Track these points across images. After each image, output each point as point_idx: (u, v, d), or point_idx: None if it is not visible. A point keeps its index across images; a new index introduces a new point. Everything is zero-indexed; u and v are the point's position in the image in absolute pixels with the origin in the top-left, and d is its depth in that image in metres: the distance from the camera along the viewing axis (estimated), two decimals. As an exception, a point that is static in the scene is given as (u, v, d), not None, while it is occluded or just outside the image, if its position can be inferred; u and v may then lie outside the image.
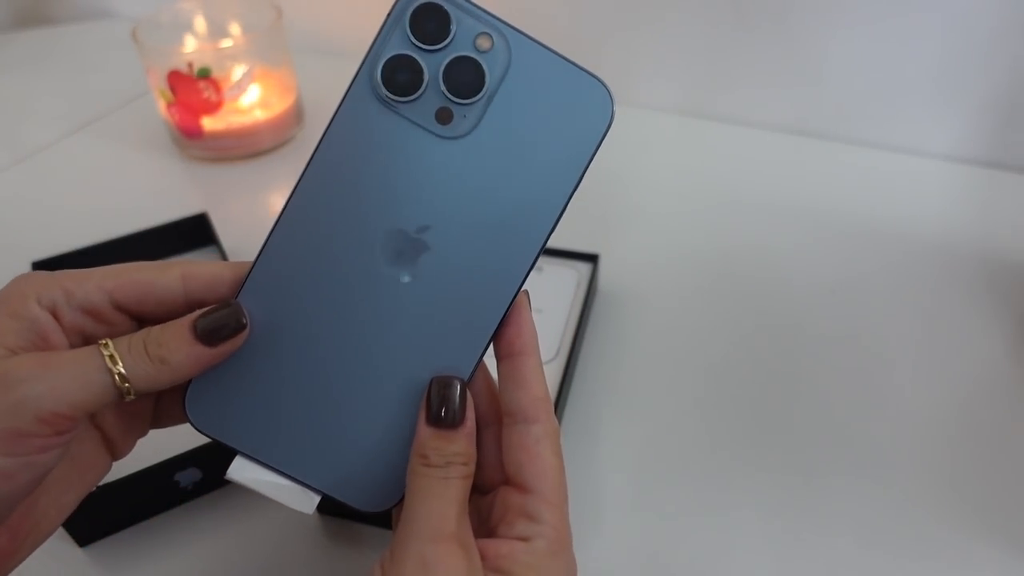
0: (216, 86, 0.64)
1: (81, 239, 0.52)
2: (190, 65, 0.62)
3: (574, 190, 0.26)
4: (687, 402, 0.46)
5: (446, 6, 0.25)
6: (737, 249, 0.58)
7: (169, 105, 0.65)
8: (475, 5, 0.25)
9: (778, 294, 0.54)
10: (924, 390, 0.47)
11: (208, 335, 0.25)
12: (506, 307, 0.26)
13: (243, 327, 0.26)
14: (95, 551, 0.38)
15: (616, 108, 0.26)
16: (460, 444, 0.25)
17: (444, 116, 0.26)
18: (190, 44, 0.69)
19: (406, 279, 0.26)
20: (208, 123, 0.65)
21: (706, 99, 0.75)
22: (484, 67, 0.25)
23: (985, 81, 0.65)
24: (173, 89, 0.63)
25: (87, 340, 0.26)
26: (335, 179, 0.26)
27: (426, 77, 0.25)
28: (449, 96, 0.25)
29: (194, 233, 0.55)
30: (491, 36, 0.25)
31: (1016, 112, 0.66)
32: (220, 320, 0.25)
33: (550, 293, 0.49)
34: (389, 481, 0.27)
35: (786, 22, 0.68)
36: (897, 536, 0.39)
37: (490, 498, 0.27)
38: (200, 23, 0.70)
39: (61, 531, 0.37)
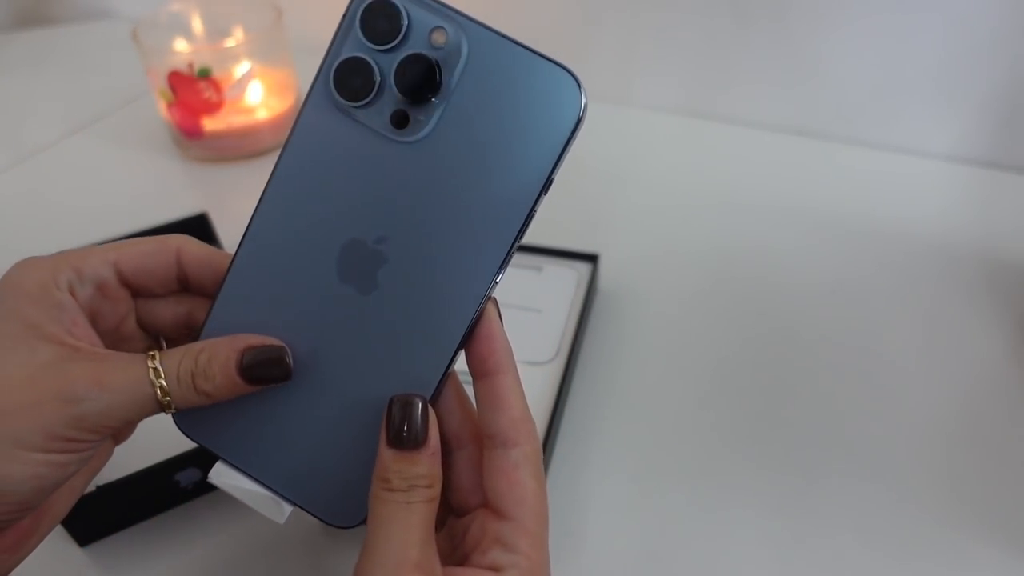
0: (216, 86, 0.64)
1: (81, 239, 0.52)
2: (190, 65, 0.62)
3: (542, 191, 0.24)
4: (687, 402, 0.46)
5: (397, 3, 0.23)
6: (737, 249, 0.58)
7: (169, 105, 0.65)
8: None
9: (778, 294, 0.54)
10: (924, 390, 0.47)
11: (254, 378, 0.25)
12: (470, 319, 0.25)
13: (288, 375, 0.26)
14: (95, 551, 0.38)
15: (586, 99, 0.23)
16: (423, 466, 0.24)
17: (400, 119, 0.24)
18: (190, 44, 0.69)
19: (365, 293, 0.25)
20: (208, 123, 0.65)
21: (706, 99, 0.75)
22: (438, 64, 0.23)
23: (985, 81, 0.65)
24: (173, 89, 0.63)
25: (94, 315, 0.27)
26: (294, 190, 0.25)
27: (378, 80, 0.24)
28: (403, 98, 0.24)
29: (194, 233, 0.54)
30: (446, 30, 0.23)
31: (1016, 112, 0.65)
32: (267, 366, 0.25)
33: (550, 293, 0.49)
34: (357, 498, 0.26)
35: (786, 22, 0.68)
36: (897, 536, 0.39)
37: (466, 520, 0.27)
38: (200, 23, 0.70)
39: (61, 531, 0.37)
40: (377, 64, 0.24)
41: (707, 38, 0.71)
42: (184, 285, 0.29)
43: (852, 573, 0.37)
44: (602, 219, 0.60)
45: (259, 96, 0.67)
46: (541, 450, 0.26)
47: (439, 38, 0.23)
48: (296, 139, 0.25)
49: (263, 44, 0.66)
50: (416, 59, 0.23)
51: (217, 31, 0.71)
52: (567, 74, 0.23)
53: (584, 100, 0.23)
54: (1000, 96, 0.65)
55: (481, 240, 0.24)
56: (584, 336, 0.49)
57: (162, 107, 0.66)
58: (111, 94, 0.78)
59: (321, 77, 0.24)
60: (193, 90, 0.63)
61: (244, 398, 0.26)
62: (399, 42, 0.23)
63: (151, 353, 0.25)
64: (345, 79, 0.24)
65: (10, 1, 0.96)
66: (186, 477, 0.38)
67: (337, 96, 0.24)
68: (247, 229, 0.26)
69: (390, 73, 0.24)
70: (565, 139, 0.24)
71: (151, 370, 0.24)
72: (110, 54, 0.84)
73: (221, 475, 0.27)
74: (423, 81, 0.23)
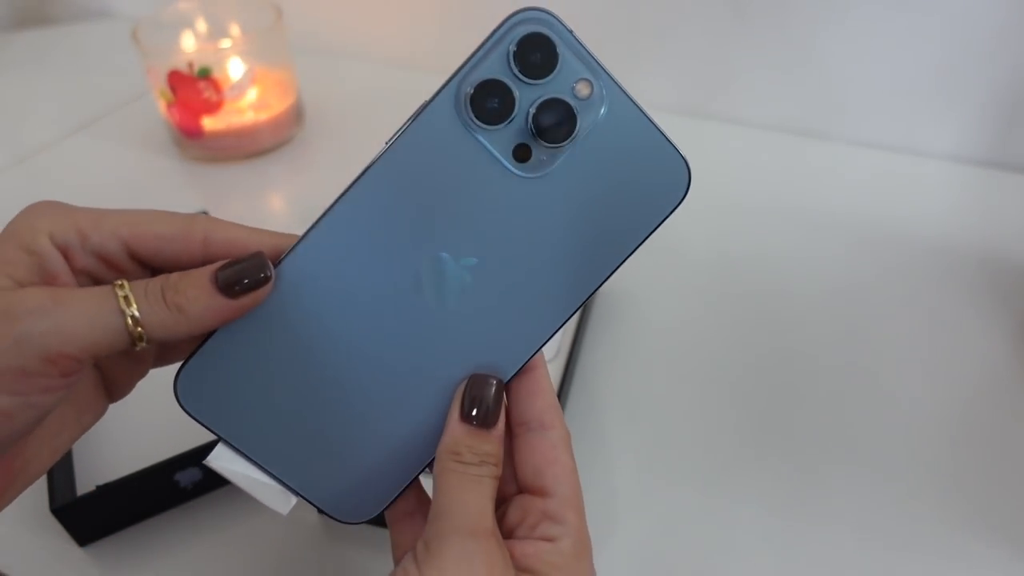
0: (216, 86, 0.64)
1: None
2: (190, 65, 0.62)
3: (626, 259, 0.25)
4: (687, 402, 0.46)
5: (556, 42, 0.23)
6: (737, 249, 0.58)
7: (169, 105, 0.65)
8: (586, 48, 0.24)
9: (777, 294, 0.54)
10: (925, 390, 0.47)
11: (230, 285, 0.23)
12: (522, 364, 0.26)
13: (267, 279, 0.24)
14: (95, 551, 0.38)
15: (690, 185, 0.25)
16: (492, 444, 0.25)
17: (523, 154, 0.24)
18: (190, 44, 0.69)
19: (435, 308, 0.25)
20: (208, 123, 0.65)
21: (706, 99, 0.75)
22: (577, 115, 0.24)
23: (986, 81, 0.65)
24: (173, 89, 0.63)
25: (97, 283, 0.24)
26: (393, 187, 0.25)
27: (516, 110, 0.24)
28: (534, 135, 0.24)
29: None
30: (592, 84, 0.24)
31: (1017, 112, 0.65)
32: (243, 271, 0.24)
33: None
34: (371, 495, 0.26)
35: (786, 22, 0.68)
36: (898, 535, 0.39)
37: (502, 509, 0.27)
38: (200, 23, 0.70)
39: (61, 531, 0.37)
40: (518, 94, 0.24)
41: (707, 37, 0.71)
42: None
43: (853, 572, 0.37)
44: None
45: (258, 96, 0.67)
46: (570, 433, 0.27)
47: (584, 89, 0.24)
48: (409, 137, 0.24)
49: (263, 44, 0.66)
50: (560, 103, 0.24)
51: (217, 31, 0.71)
52: (682, 161, 0.25)
53: (688, 188, 0.25)
54: (1000, 96, 0.65)
55: (560, 289, 0.26)
56: (584, 336, 0.49)
57: (162, 107, 0.66)
58: (111, 94, 0.78)
59: (453, 86, 0.24)
60: (193, 90, 0.63)
61: (259, 378, 0.25)
62: (546, 81, 0.24)
63: (118, 282, 0.23)
64: (483, 99, 0.24)
65: (10, 1, 0.96)
66: (186, 477, 0.38)
67: (469, 111, 0.24)
68: (333, 205, 0.25)
69: (529, 107, 0.24)
70: (662, 218, 0.25)
71: (120, 298, 0.22)
72: (110, 54, 0.84)
73: (221, 459, 0.26)
74: (560, 126, 0.24)
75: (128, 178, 0.67)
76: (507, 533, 0.26)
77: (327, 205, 0.25)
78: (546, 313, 0.26)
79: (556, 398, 0.27)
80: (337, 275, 0.25)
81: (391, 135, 0.24)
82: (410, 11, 0.80)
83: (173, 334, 0.23)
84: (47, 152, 0.70)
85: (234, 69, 0.64)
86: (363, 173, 0.25)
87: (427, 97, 0.24)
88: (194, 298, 0.23)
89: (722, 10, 0.69)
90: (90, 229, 0.24)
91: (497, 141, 0.24)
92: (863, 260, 0.57)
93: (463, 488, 0.24)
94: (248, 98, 0.67)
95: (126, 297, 0.22)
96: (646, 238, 0.25)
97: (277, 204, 0.66)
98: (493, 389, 0.26)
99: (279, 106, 0.68)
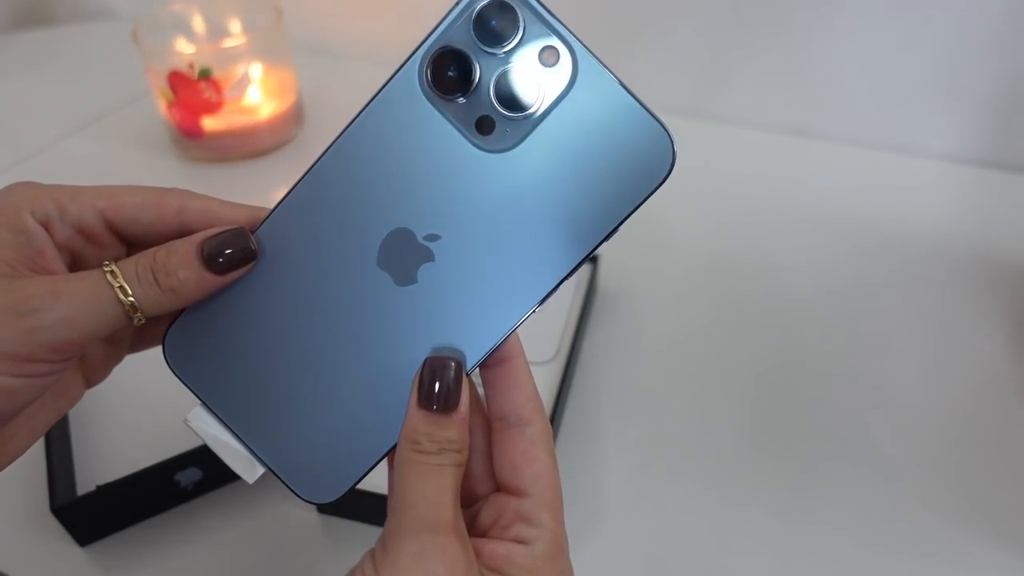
0: (216, 86, 0.64)
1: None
2: (191, 65, 0.62)
3: (605, 239, 0.24)
4: (687, 402, 0.46)
5: (518, 7, 0.22)
6: (737, 249, 0.58)
7: (169, 105, 0.65)
8: (551, 13, 0.23)
9: (777, 294, 0.54)
10: (924, 389, 0.47)
11: (218, 264, 0.24)
12: (498, 341, 0.25)
13: (252, 253, 0.25)
14: (95, 551, 0.38)
15: (675, 161, 0.23)
16: (453, 431, 0.24)
17: (486, 126, 0.23)
18: (190, 45, 0.69)
19: (400, 284, 0.25)
20: (208, 123, 0.65)
21: (706, 99, 0.75)
22: (541, 84, 0.23)
23: (985, 81, 0.65)
24: (173, 89, 0.63)
25: (76, 258, 0.25)
26: (355, 162, 0.24)
27: (476, 79, 0.23)
28: (497, 105, 0.23)
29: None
30: (558, 52, 0.23)
31: (1016, 112, 0.65)
32: (228, 246, 0.24)
33: (550, 293, 0.49)
34: (336, 476, 0.26)
35: (786, 22, 0.68)
36: (898, 535, 0.39)
37: (475, 508, 0.26)
38: (200, 23, 0.70)
39: (61, 531, 0.37)
40: (479, 63, 0.23)
41: (707, 39, 0.71)
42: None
43: (852, 572, 0.37)
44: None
45: (259, 96, 0.67)
46: (551, 429, 0.26)
47: (550, 57, 0.23)
48: (371, 111, 0.24)
49: (263, 44, 0.66)
50: (523, 72, 0.23)
51: (217, 31, 0.71)
52: (664, 132, 0.23)
53: (673, 163, 0.23)
54: (1000, 96, 0.65)
55: (533, 269, 0.24)
56: (584, 336, 0.49)
57: (162, 107, 0.66)
58: (111, 94, 0.78)
59: (415, 58, 0.23)
60: (193, 90, 0.63)
61: (240, 347, 0.26)
62: (509, 49, 0.23)
63: (105, 263, 0.24)
64: (442, 68, 0.23)
65: (10, 1, 0.96)
66: (186, 477, 0.38)
67: (428, 83, 0.23)
68: (293, 188, 0.25)
69: (491, 77, 0.23)
70: (646, 195, 0.23)
71: (107, 273, 0.23)
72: (110, 54, 0.84)
73: (199, 419, 0.26)
74: (523, 95, 0.23)
75: (128, 178, 0.66)
76: (480, 532, 0.25)
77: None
78: (518, 295, 0.24)
79: (536, 391, 0.26)
80: (303, 249, 0.25)
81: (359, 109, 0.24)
82: (410, 11, 0.80)
83: (166, 310, 0.24)
84: (47, 152, 0.70)
85: (235, 69, 0.64)
86: (328, 148, 0.24)
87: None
88: (185, 280, 0.24)
89: (722, 11, 0.69)
90: (68, 202, 0.25)
91: (459, 113, 0.23)
92: (862, 260, 0.57)
93: (421, 479, 0.23)
94: (248, 98, 0.67)
95: (122, 287, 0.23)
96: (627, 218, 0.24)
97: (277, 204, 0.66)
98: (452, 371, 0.24)
99: (279, 106, 0.68)
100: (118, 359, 0.29)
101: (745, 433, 0.44)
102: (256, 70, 0.66)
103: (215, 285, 0.24)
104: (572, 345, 0.46)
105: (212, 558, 0.37)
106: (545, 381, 0.44)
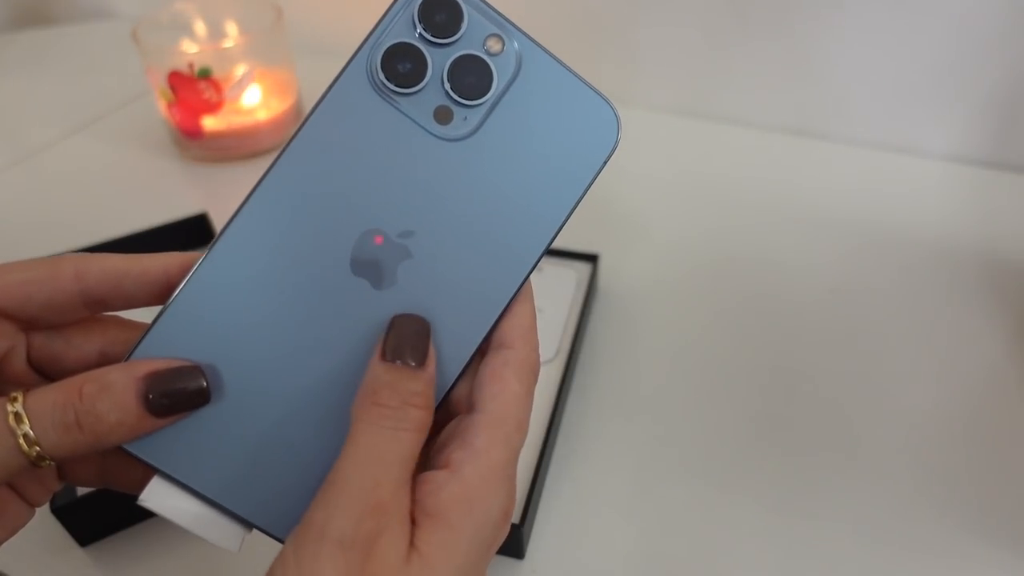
0: (217, 86, 0.64)
1: (81, 239, 0.52)
2: (191, 65, 0.62)
3: (570, 213, 0.24)
4: (687, 402, 0.46)
5: (460, 1, 0.24)
6: (737, 249, 0.58)
7: (169, 105, 0.65)
8: (490, 5, 0.24)
9: (777, 294, 0.54)
10: (924, 389, 0.47)
11: (162, 407, 0.21)
12: (488, 328, 0.24)
13: (205, 398, 0.22)
14: (95, 551, 0.38)
15: (621, 133, 0.25)
16: (419, 383, 0.21)
17: (443, 115, 0.24)
18: (190, 44, 0.69)
19: (379, 288, 0.24)
20: (208, 123, 0.65)
21: (706, 99, 0.75)
22: (493, 69, 0.24)
23: (985, 81, 0.65)
24: (173, 89, 0.63)
25: None
26: (311, 168, 0.23)
27: (429, 71, 0.23)
28: (452, 95, 0.24)
29: (194, 233, 0.55)
30: (503, 39, 0.24)
31: (1016, 112, 0.65)
32: (178, 393, 0.21)
33: (550, 293, 0.49)
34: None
35: (786, 22, 0.68)
36: (898, 535, 0.39)
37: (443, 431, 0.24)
38: (200, 23, 0.70)
39: (61, 531, 0.37)
40: (429, 55, 0.24)
41: (707, 38, 0.71)
42: (98, 307, 0.24)
43: (853, 572, 0.37)
44: (602, 219, 0.60)
45: (259, 96, 0.67)
46: (538, 363, 0.24)
47: (495, 45, 0.24)
48: (323, 113, 0.23)
49: (263, 44, 0.66)
50: (473, 59, 0.24)
51: (217, 31, 0.71)
52: (608, 107, 0.24)
53: (619, 135, 0.24)
54: (1000, 96, 0.65)
55: (510, 250, 0.24)
56: (584, 336, 0.49)
57: (162, 107, 0.66)
58: (111, 94, 0.78)
59: (362, 55, 0.24)
60: (193, 90, 0.63)
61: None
62: (455, 40, 0.24)
63: (13, 395, 0.20)
64: (395, 62, 0.23)
65: (10, 1, 0.96)
66: (186, 477, 0.38)
67: (382, 78, 0.23)
68: (240, 208, 0.23)
69: (443, 67, 0.24)
70: (598, 167, 0.24)
71: (10, 415, 0.19)
72: (110, 54, 0.84)
73: (159, 495, 0.23)
74: (477, 82, 0.24)
75: (128, 178, 0.67)
76: (427, 458, 0.23)
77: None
78: (500, 279, 0.24)
79: (531, 322, 0.24)
80: (266, 271, 0.23)
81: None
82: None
83: (85, 454, 0.21)
84: (47, 152, 0.70)
85: (235, 69, 0.64)
86: (281, 152, 0.23)
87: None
88: (117, 423, 0.21)
89: (722, 10, 0.69)
90: None
91: (415, 106, 0.24)
92: (862, 260, 0.57)
93: (369, 446, 0.20)
94: (248, 98, 0.67)
95: (26, 435, 0.20)
96: (586, 190, 0.24)
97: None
98: (419, 325, 0.23)
99: (279, 106, 0.68)
100: (53, 487, 0.25)
101: (745, 433, 0.44)
102: (244, 70, 0.66)
103: (151, 429, 0.21)
104: (572, 345, 0.46)
105: (213, 558, 0.37)
106: (545, 381, 0.44)
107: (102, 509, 0.37)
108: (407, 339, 0.22)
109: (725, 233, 0.60)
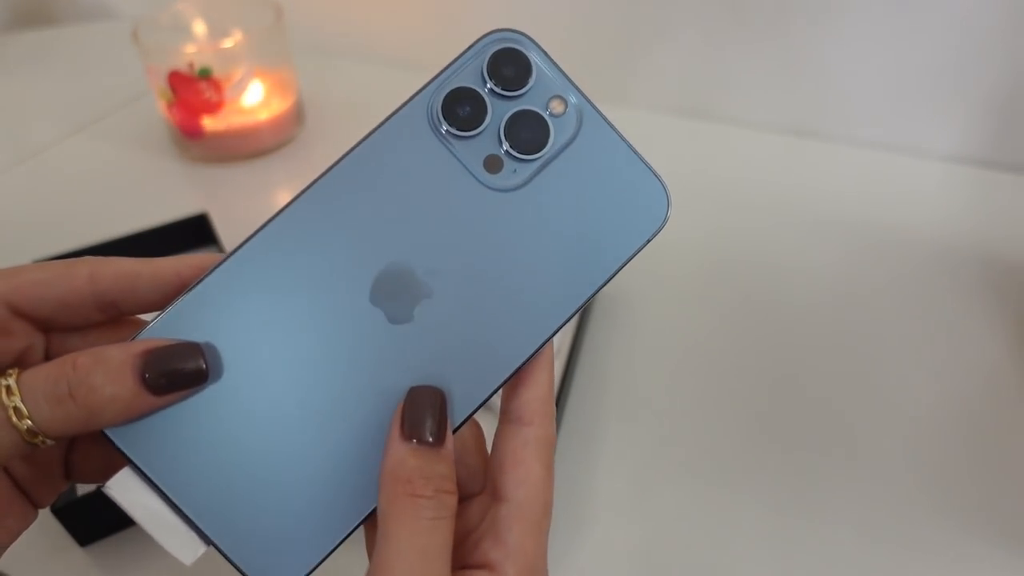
0: (217, 86, 0.64)
1: (81, 239, 0.52)
2: (191, 65, 0.62)
3: (603, 284, 0.24)
4: (687, 402, 0.46)
5: (531, 58, 0.24)
6: (737, 249, 0.58)
7: (170, 105, 0.65)
8: (559, 68, 0.24)
9: (777, 294, 0.54)
10: (924, 389, 0.47)
11: (159, 384, 0.21)
12: (499, 383, 0.24)
13: (203, 377, 0.22)
14: (95, 551, 0.38)
15: (670, 212, 0.24)
16: (444, 465, 0.21)
17: (494, 164, 0.24)
18: (190, 44, 0.69)
19: (394, 323, 0.23)
20: (208, 123, 0.65)
21: (706, 99, 0.75)
22: (551, 129, 0.24)
23: (985, 81, 0.65)
24: (174, 89, 0.63)
25: None
26: (356, 188, 0.23)
27: (488, 119, 0.24)
28: (506, 146, 0.24)
29: (194, 233, 0.56)
30: (566, 102, 0.24)
31: (1016, 112, 0.65)
32: (178, 370, 0.21)
33: (550, 293, 0.49)
34: (298, 553, 0.23)
35: (786, 22, 0.68)
36: (898, 535, 0.39)
37: (462, 506, 0.24)
38: (200, 23, 0.70)
39: (62, 531, 0.37)
40: (491, 105, 0.24)
41: (707, 39, 0.71)
42: (110, 310, 0.24)
43: (853, 572, 0.37)
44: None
45: (259, 96, 0.67)
46: (555, 440, 0.24)
47: (558, 107, 0.24)
48: (376, 139, 0.24)
49: (263, 44, 0.66)
50: (534, 116, 0.24)
51: (217, 31, 0.71)
52: (660, 185, 0.24)
53: (668, 214, 0.24)
54: (1000, 96, 0.65)
55: (535, 310, 0.24)
56: (584, 336, 0.49)
57: (162, 107, 0.66)
58: (111, 94, 0.78)
59: (427, 92, 0.24)
60: (193, 90, 0.63)
61: (187, 401, 0.22)
62: (520, 95, 0.24)
63: (9, 371, 0.20)
64: (456, 105, 0.24)
65: (10, 1, 0.96)
66: (186, 477, 0.38)
67: (440, 118, 0.24)
68: (274, 216, 0.23)
69: (502, 118, 0.24)
70: (640, 244, 0.24)
71: (2, 388, 0.19)
72: (110, 54, 0.84)
73: (124, 487, 0.22)
74: (533, 138, 0.24)
75: (128, 178, 0.67)
76: (462, 534, 0.23)
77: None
78: (518, 338, 0.24)
79: (551, 394, 0.24)
80: (283, 287, 0.23)
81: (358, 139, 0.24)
82: (410, 11, 0.80)
83: (80, 433, 0.20)
84: (47, 152, 0.70)
85: (235, 69, 0.64)
86: (323, 173, 0.23)
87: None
88: (112, 397, 0.20)
89: (722, 10, 0.69)
90: None
91: (468, 150, 0.24)
92: (862, 260, 0.57)
93: (411, 540, 0.20)
94: (249, 98, 0.67)
95: (16, 408, 0.19)
96: (624, 264, 0.24)
97: (278, 204, 0.66)
98: (438, 401, 0.22)
99: (279, 106, 0.68)
100: (61, 484, 0.24)
101: (745, 433, 0.44)
102: (244, 70, 0.66)
103: (147, 408, 0.21)
104: (572, 345, 0.46)
105: (213, 558, 0.37)
106: (545, 381, 0.44)
107: (102, 509, 0.37)
108: (425, 414, 0.22)
109: (725, 233, 0.60)
